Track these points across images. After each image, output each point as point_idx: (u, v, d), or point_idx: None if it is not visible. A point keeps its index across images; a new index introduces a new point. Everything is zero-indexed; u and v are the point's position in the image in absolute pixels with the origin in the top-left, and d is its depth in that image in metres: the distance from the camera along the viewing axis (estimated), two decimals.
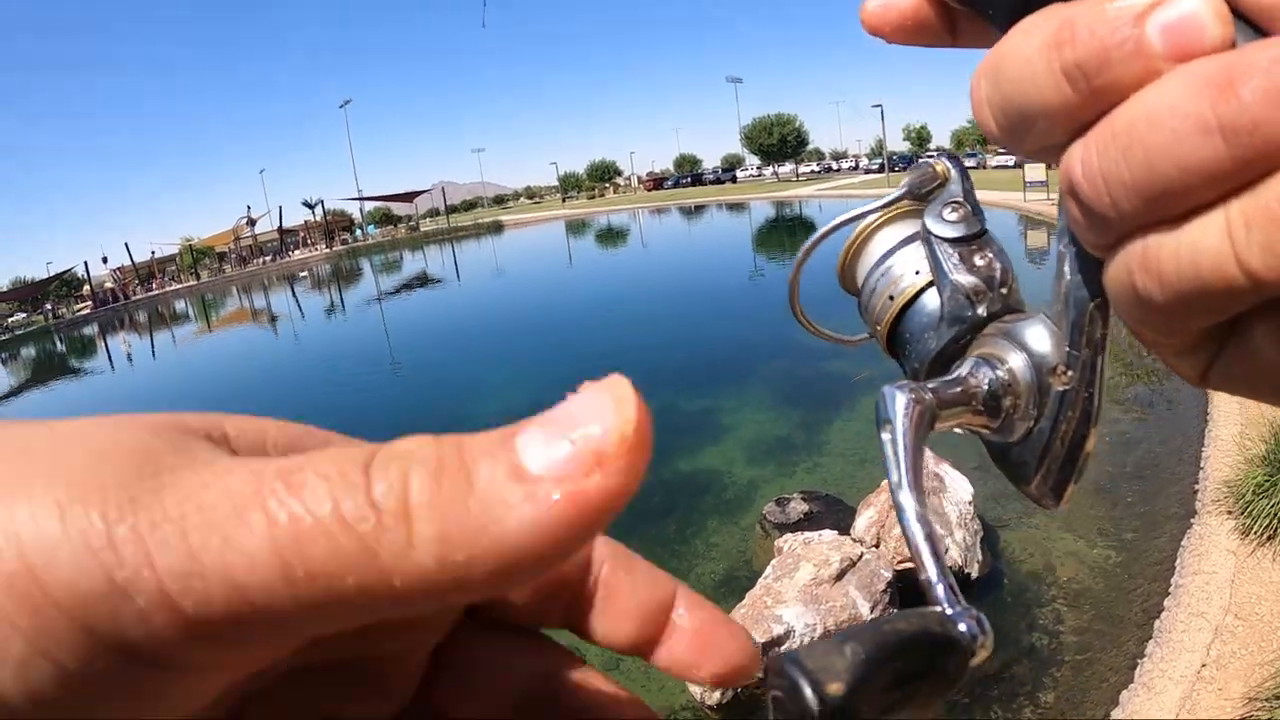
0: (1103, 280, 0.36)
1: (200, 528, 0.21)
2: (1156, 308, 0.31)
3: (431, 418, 17.76)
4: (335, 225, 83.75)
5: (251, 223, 77.32)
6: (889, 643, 0.35)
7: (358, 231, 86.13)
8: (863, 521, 8.63)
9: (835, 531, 8.27)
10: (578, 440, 0.23)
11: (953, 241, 0.56)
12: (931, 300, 0.57)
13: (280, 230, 76.70)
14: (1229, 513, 8.51)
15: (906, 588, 8.05)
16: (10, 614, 0.20)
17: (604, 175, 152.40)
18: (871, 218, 0.64)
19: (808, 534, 8.26)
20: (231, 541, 0.21)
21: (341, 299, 39.63)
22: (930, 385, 0.50)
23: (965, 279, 0.55)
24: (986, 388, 0.50)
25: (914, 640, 0.37)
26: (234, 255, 76.03)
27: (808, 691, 0.32)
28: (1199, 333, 0.33)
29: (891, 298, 0.61)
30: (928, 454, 8.16)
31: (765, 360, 17.84)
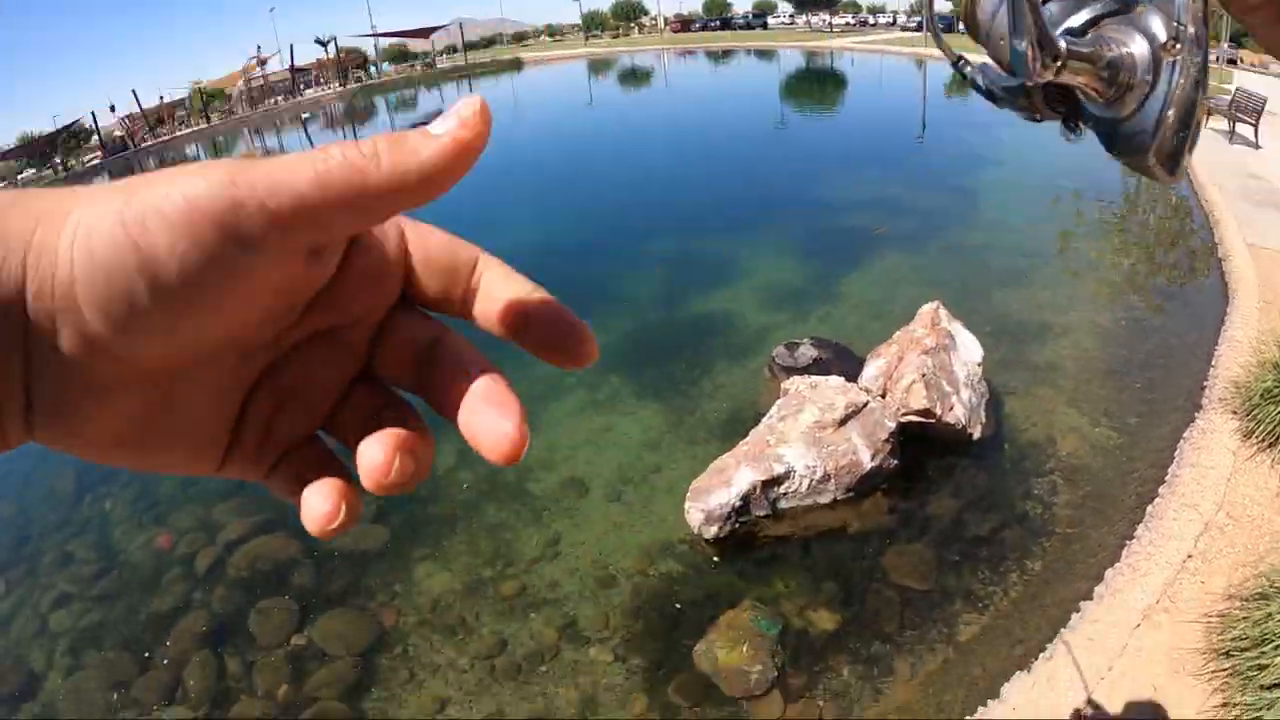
0: None
1: (277, 170, 0.36)
2: None
3: None
4: (349, 63, 78.18)
5: (262, 63, 72.35)
6: None
7: (372, 69, 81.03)
8: (871, 370, 8.24)
9: (842, 379, 7.91)
10: (453, 116, 0.40)
11: None
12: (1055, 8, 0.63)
13: (292, 69, 71.77)
14: (1234, 413, 8.19)
15: (908, 439, 7.78)
16: (178, 228, 0.34)
17: (629, 14, 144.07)
18: None
19: (815, 378, 7.90)
20: (295, 173, 0.36)
21: (355, 138, 37.75)
22: (1068, 40, 0.56)
23: None
24: (1108, 55, 0.56)
25: None
26: (245, 96, 71.94)
27: None
28: None
29: None
30: (941, 312, 7.70)
31: (785, 210, 17.08)
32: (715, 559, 7.19)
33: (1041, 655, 5.79)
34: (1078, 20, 0.61)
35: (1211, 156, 16.56)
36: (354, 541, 8.23)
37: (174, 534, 8.87)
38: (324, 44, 75.79)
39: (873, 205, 16.10)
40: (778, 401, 7.79)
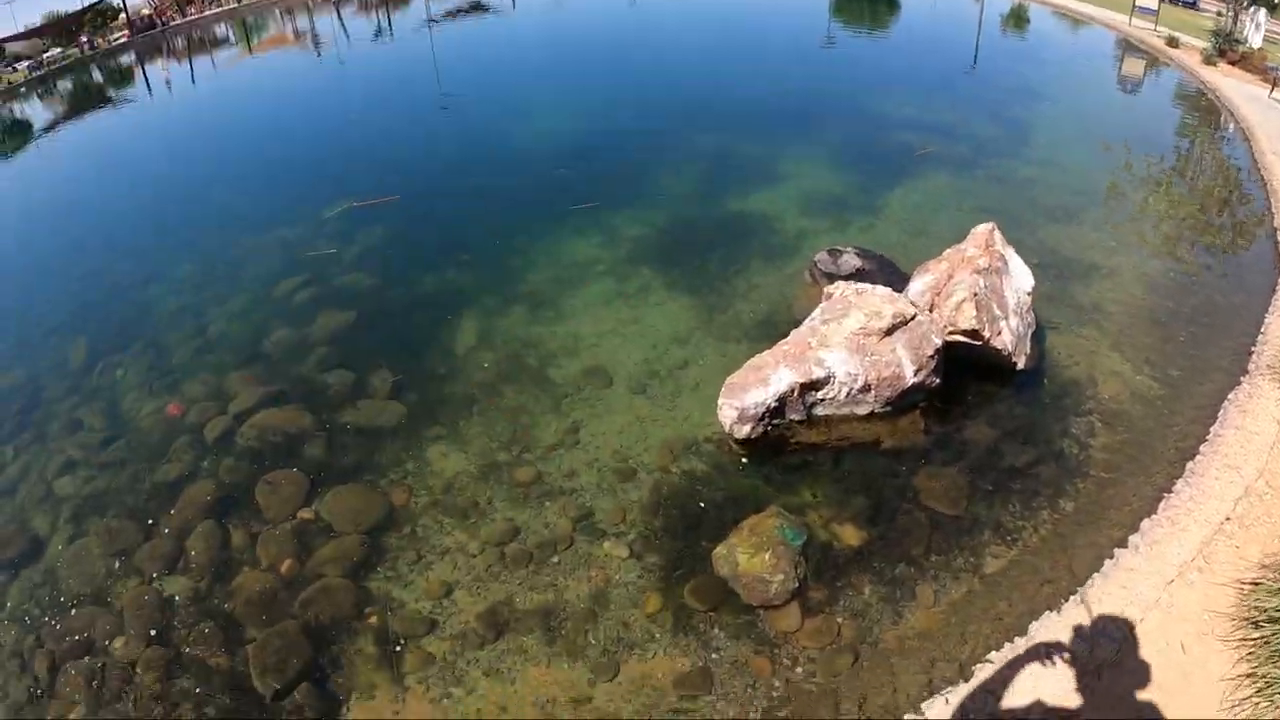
0: None
1: None
2: None
3: (475, 146, 16.12)
4: None
5: None
6: None
7: None
8: (918, 285, 7.73)
9: (889, 289, 7.40)
10: None
11: None
12: None
13: None
14: None
15: (951, 360, 7.32)
16: None
17: None
18: None
19: (861, 285, 7.39)
20: None
21: (389, 23, 35.38)
22: None
23: None
24: None
25: None
26: None
27: None
28: None
29: None
30: (996, 235, 7.15)
31: (834, 121, 16.20)
32: (744, 460, 6.86)
33: (1073, 598, 5.46)
34: None
35: (1274, 127, 15.70)
36: (368, 417, 7.91)
37: (184, 403, 8.51)
38: None
39: (919, 127, 15.28)
40: (821, 305, 7.33)
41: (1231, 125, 16.19)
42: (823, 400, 6.74)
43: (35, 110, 28.79)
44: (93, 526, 7.11)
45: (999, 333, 7.08)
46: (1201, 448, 6.97)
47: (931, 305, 7.33)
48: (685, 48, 23.66)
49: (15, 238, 14.07)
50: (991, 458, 6.84)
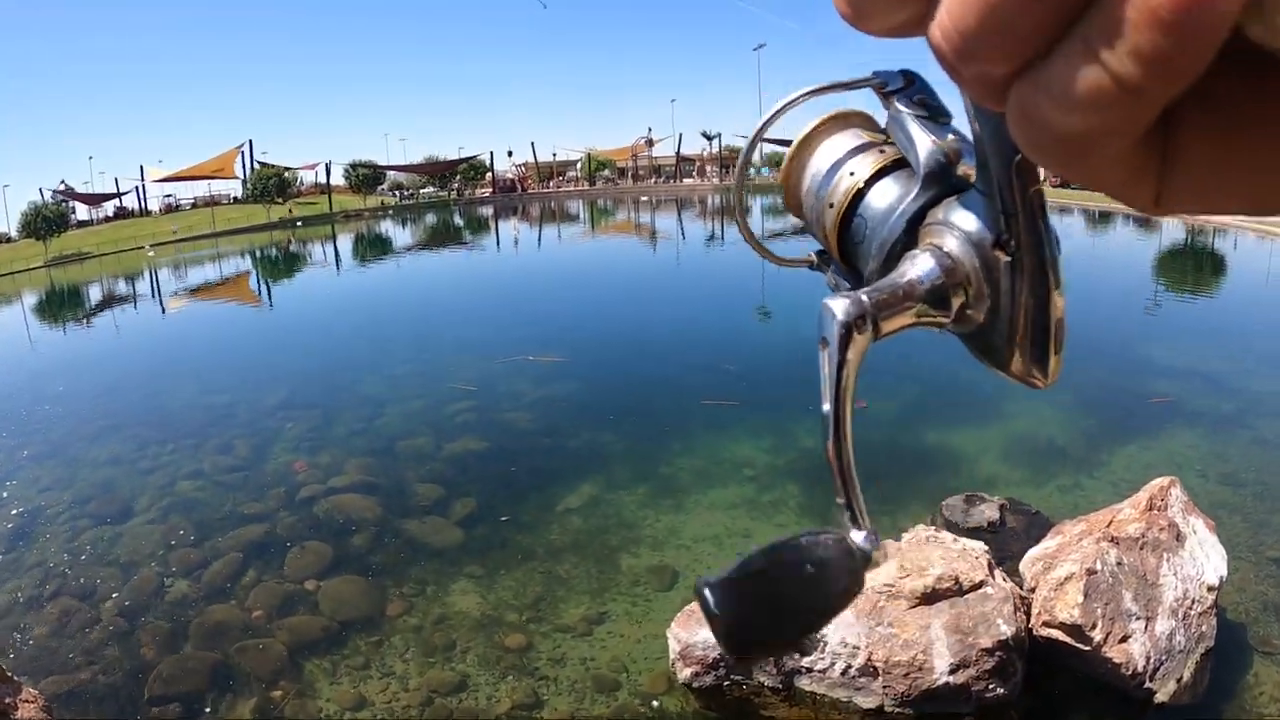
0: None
1: None
2: (1061, 148, 0.23)
3: (790, 364, 14.55)
4: (731, 160, 74.95)
5: (650, 143, 71.14)
6: (785, 560, 0.35)
7: (752, 171, 76.65)
8: (1037, 551, 4.77)
9: (984, 546, 4.71)
10: None
11: (921, 117, 0.43)
12: (878, 197, 0.45)
13: (679, 156, 67.99)
14: None
15: (1044, 664, 4.28)
16: None
17: None
18: (808, 128, 0.50)
19: (947, 534, 4.83)
20: None
21: (723, 232, 36.12)
22: (869, 291, 0.39)
23: (944, 139, 0.42)
24: (926, 281, 0.39)
25: (807, 557, 0.35)
26: (631, 170, 68.40)
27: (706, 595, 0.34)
28: (1132, 157, 0.24)
29: (847, 191, 0.46)
30: (1174, 494, 4.52)
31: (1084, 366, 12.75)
32: (692, 710, 4.49)
33: None
34: (904, 216, 0.42)
35: None
36: (423, 532, 7.10)
37: (310, 465, 8.61)
38: (710, 138, 72.03)
39: (1165, 373, 11.10)
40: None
41: None
42: (808, 670, 4.21)
43: (397, 231, 32.66)
44: (172, 520, 7.49)
45: (1124, 638, 4.14)
46: None
47: (1035, 583, 4.58)
48: None
49: (333, 317, 16.20)
50: None
